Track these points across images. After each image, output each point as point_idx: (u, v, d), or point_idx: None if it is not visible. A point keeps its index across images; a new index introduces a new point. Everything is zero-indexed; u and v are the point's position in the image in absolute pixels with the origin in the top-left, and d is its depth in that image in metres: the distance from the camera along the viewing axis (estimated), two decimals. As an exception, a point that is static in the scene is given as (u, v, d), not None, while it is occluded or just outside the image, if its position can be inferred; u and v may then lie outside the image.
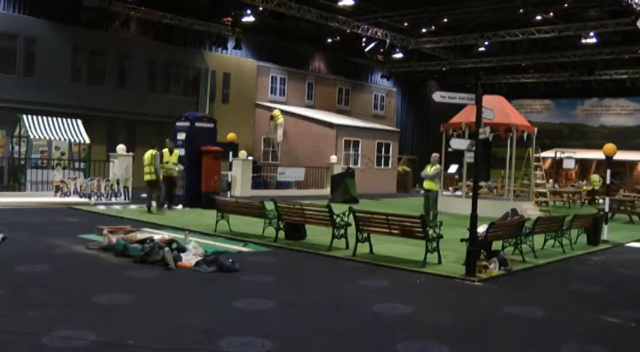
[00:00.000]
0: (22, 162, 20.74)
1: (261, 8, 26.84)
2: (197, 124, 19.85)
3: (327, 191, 26.17)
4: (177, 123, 20.20)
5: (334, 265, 10.37)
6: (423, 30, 30.37)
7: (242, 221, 13.93)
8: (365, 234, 11.09)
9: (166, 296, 7.72)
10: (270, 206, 12.93)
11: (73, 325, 6.21)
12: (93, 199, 19.01)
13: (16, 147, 21.89)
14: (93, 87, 27.05)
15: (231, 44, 31.42)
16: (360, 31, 29.58)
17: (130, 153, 20.80)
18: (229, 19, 30.25)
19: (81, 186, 19.11)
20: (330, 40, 32.00)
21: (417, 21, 29.05)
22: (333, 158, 28.43)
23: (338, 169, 27.16)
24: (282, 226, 12.52)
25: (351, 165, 28.34)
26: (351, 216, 11.28)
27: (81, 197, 18.92)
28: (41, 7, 25.98)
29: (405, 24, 29.77)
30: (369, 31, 29.70)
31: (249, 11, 28.17)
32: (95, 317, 6.57)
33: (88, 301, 7.19)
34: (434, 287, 9.06)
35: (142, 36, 29.32)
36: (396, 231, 10.80)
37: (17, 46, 25.00)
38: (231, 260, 9.56)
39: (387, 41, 30.78)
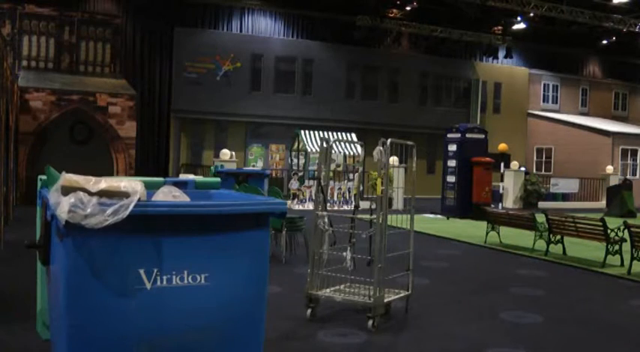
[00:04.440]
0: (301, 174, 22.91)
1: (532, 14, 26.58)
2: (468, 135, 20.26)
3: (602, 204, 25.03)
4: (448, 135, 20.81)
5: (606, 283, 10.16)
6: None
7: (513, 233, 14.10)
8: (641, 252, 10.59)
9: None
10: (541, 218, 12.96)
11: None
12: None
13: (295, 160, 24.27)
14: (366, 102, 28.91)
15: (501, 53, 31.41)
16: (637, 30, 27.83)
17: (403, 165, 21.93)
18: (499, 27, 30.29)
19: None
20: (604, 42, 30.52)
21: None
22: (609, 168, 27.04)
23: (614, 181, 25.81)
24: (553, 239, 12.52)
25: (628, 176, 26.76)
26: (626, 231, 10.95)
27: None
28: (317, 31, 28.52)
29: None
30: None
31: (519, 18, 28.03)
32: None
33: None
34: None
35: (412, 50, 30.58)
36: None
37: (296, 68, 27.71)
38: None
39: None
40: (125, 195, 3.28)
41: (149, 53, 25.96)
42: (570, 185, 26.52)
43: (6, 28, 20.86)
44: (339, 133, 23.37)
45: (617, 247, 11.27)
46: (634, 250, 10.59)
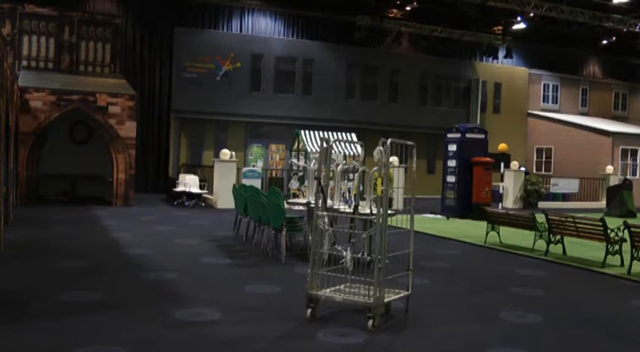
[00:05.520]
0: (301, 174, 22.85)
1: (532, 14, 26.58)
2: (468, 135, 20.23)
3: (602, 204, 25.02)
4: (448, 135, 20.79)
5: (606, 283, 10.14)
6: None
7: (513, 233, 14.10)
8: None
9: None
10: (541, 218, 12.95)
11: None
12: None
13: (295, 160, 24.21)
14: (366, 102, 28.93)
15: (501, 53, 31.41)
16: (637, 30, 27.83)
17: (403, 165, 21.93)
18: (499, 27, 30.30)
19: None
20: (604, 42, 30.55)
21: None
22: (609, 168, 27.03)
23: (614, 181, 25.80)
24: (553, 239, 12.51)
25: (628, 176, 26.77)
26: (626, 231, 10.93)
27: None
28: (317, 31, 28.56)
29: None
30: (649, 29, 27.87)
31: (519, 18, 28.04)
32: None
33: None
34: None
35: (412, 50, 30.58)
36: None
37: (296, 68, 27.71)
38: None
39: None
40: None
41: (149, 53, 25.95)
42: (570, 185, 26.50)
43: (6, 28, 20.85)
44: (339, 133, 23.37)
45: (617, 247, 11.26)
46: (634, 250, 10.58)
